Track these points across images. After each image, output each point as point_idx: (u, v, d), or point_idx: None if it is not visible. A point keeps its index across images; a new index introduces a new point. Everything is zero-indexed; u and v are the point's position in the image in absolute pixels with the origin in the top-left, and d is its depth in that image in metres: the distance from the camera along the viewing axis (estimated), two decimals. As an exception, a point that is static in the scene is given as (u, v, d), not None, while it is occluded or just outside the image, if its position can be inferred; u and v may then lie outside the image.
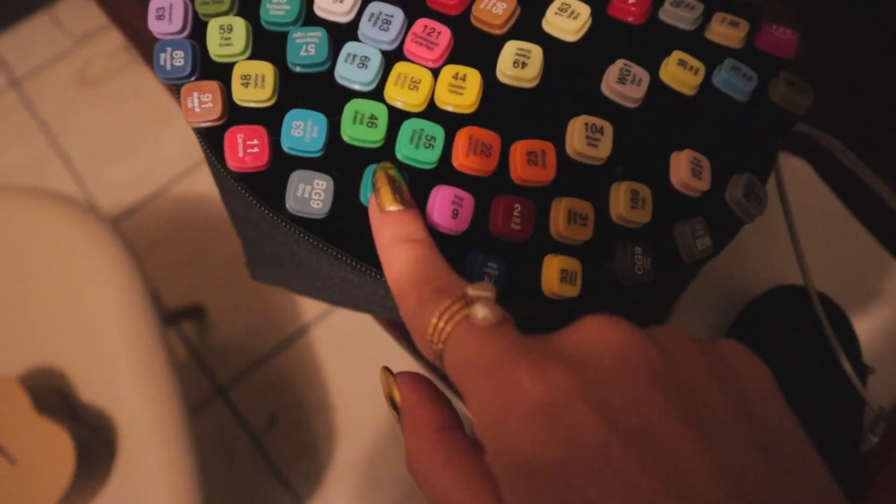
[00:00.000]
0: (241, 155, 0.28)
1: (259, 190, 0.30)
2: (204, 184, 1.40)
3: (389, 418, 1.24)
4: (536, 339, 0.20)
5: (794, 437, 0.19)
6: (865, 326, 0.43)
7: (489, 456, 0.19)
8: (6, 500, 0.70)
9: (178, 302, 1.31)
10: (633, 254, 0.28)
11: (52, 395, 0.78)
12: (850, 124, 0.45)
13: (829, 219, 0.46)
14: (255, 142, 0.29)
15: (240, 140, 0.28)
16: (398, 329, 0.45)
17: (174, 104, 1.45)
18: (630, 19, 0.31)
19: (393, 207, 0.25)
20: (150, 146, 1.43)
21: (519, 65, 0.28)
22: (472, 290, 0.21)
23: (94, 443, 0.76)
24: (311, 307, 1.31)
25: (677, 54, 0.29)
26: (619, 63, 0.29)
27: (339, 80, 0.29)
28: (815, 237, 0.43)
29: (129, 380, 0.79)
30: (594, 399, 0.17)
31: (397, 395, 0.24)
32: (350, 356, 1.27)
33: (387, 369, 0.25)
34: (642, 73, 0.29)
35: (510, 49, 0.29)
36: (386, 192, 0.25)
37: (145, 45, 0.58)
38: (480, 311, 0.20)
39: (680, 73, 0.29)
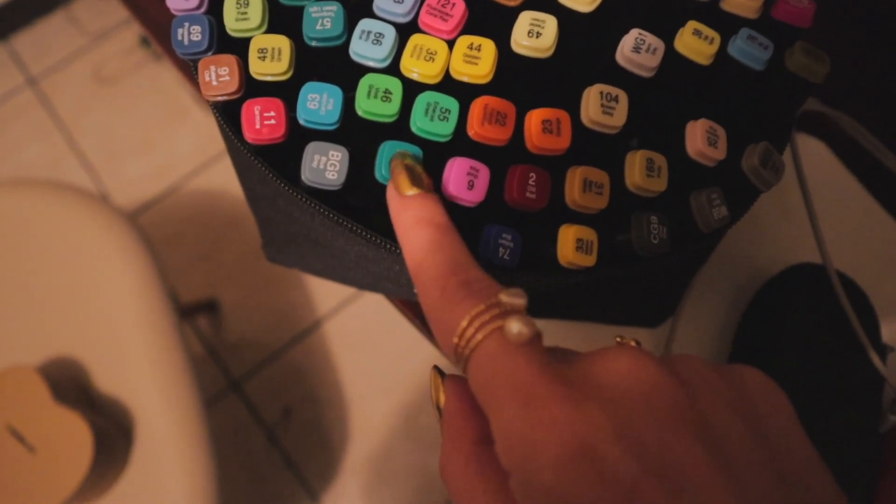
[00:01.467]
0: (258, 127, 0.29)
1: (276, 164, 0.30)
2: (219, 180, 1.41)
3: (403, 412, 1.24)
4: (565, 363, 0.20)
5: (812, 466, 0.19)
6: (884, 306, 0.42)
7: (515, 483, 0.19)
8: (25, 488, 0.71)
9: (193, 296, 1.32)
10: (649, 223, 0.28)
11: (70, 385, 0.79)
12: (866, 104, 0.44)
13: (846, 198, 0.45)
14: (272, 113, 0.29)
15: (257, 112, 0.29)
16: (412, 309, 0.45)
17: (189, 101, 1.46)
18: None
19: (412, 192, 0.24)
20: (166, 143, 1.45)
21: (534, 35, 0.28)
22: (505, 297, 0.20)
23: (112, 432, 0.76)
24: (324, 302, 1.31)
25: (692, 24, 0.29)
26: (634, 32, 0.29)
27: (353, 56, 0.29)
28: (832, 216, 0.43)
29: (145, 371, 0.79)
30: (626, 440, 0.17)
31: (442, 398, 0.24)
32: (363, 350, 1.28)
33: (437, 369, 0.24)
34: (657, 43, 0.29)
35: (525, 19, 0.29)
36: (403, 178, 0.25)
37: (165, 37, 0.58)
38: (515, 326, 0.19)
39: (695, 42, 0.29)
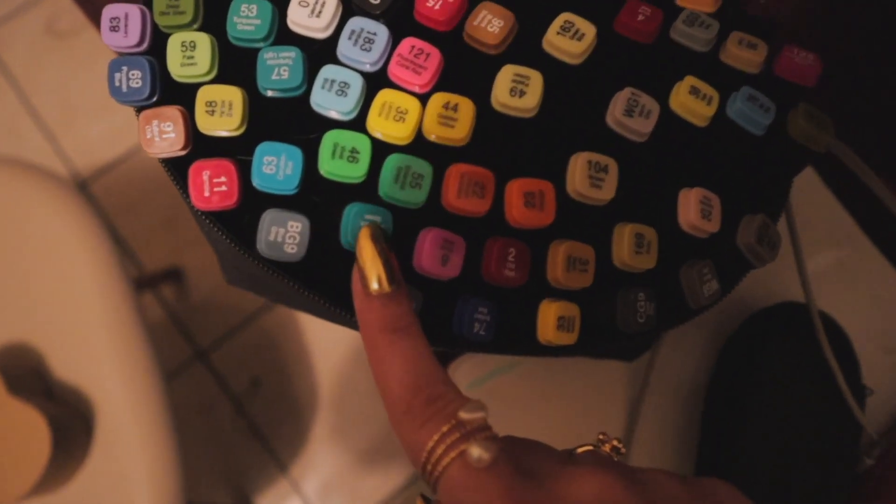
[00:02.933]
0: (207, 195, 0.26)
1: (230, 224, 0.28)
2: (181, 142, 1.36)
3: (371, 382, 1.23)
4: (533, 481, 0.20)
5: None
6: (868, 344, 0.41)
7: None
8: (-19, 485, 0.69)
9: (157, 264, 1.28)
10: (635, 300, 0.26)
11: (25, 373, 0.76)
12: (859, 129, 0.42)
13: (833, 230, 0.44)
14: (223, 179, 0.26)
15: (206, 178, 0.26)
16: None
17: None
18: (639, 38, 0.28)
19: (377, 288, 0.23)
20: (125, 102, 1.38)
21: (516, 93, 0.25)
22: (465, 415, 0.20)
23: (71, 422, 0.74)
24: (293, 271, 1.29)
25: (689, 80, 0.27)
26: (627, 92, 0.26)
27: (315, 107, 0.26)
28: (818, 247, 0.41)
29: (103, 354, 0.77)
30: None
31: None
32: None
33: (424, 498, 0.24)
34: (651, 104, 0.26)
35: (507, 75, 0.26)
36: (371, 268, 0.23)
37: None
38: (475, 451, 0.20)
39: (691, 102, 0.26)
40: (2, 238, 0.80)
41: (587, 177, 0.25)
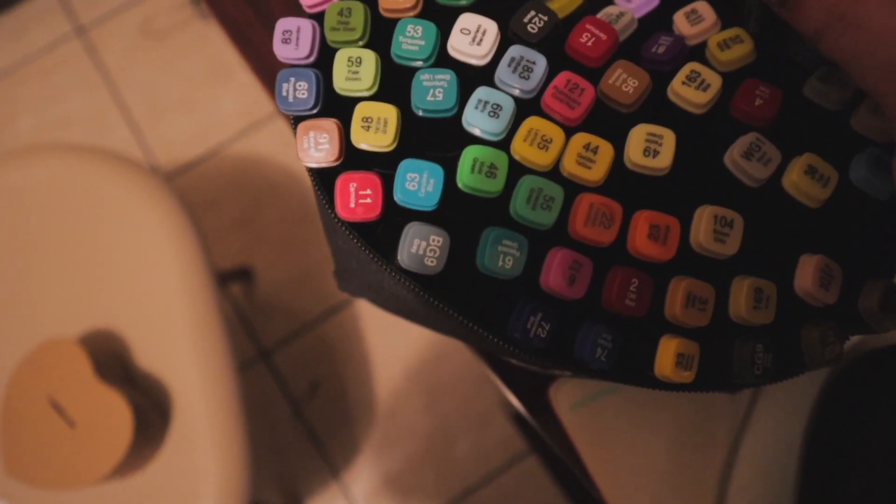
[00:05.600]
0: (352, 206, 0.27)
1: (368, 235, 0.29)
2: (259, 145, 1.40)
3: (429, 398, 1.24)
4: None
5: None
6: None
7: None
8: (63, 462, 0.72)
9: (228, 262, 1.32)
10: (753, 352, 0.26)
11: (110, 358, 0.79)
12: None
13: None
14: (368, 192, 0.27)
15: (352, 189, 0.27)
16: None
17: (235, 61, 1.44)
18: (755, 124, 0.28)
19: None
20: (210, 103, 1.43)
21: (650, 153, 0.26)
22: None
23: (149, 409, 0.77)
24: (359, 279, 1.31)
25: (807, 158, 0.26)
26: (752, 136, 0.27)
27: (466, 126, 0.28)
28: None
29: (183, 346, 0.79)
30: None
31: None
32: (393, 330, 1.28)
33: None
34: (773, 154, 0.26)
35: (639, 135, 0.26)
36: None
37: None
38: None
39: (806, 183, 0.26)
40: (93, 225, 0.83)
41: (712, 231, 0.26)
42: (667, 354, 0.27)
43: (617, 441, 0.42)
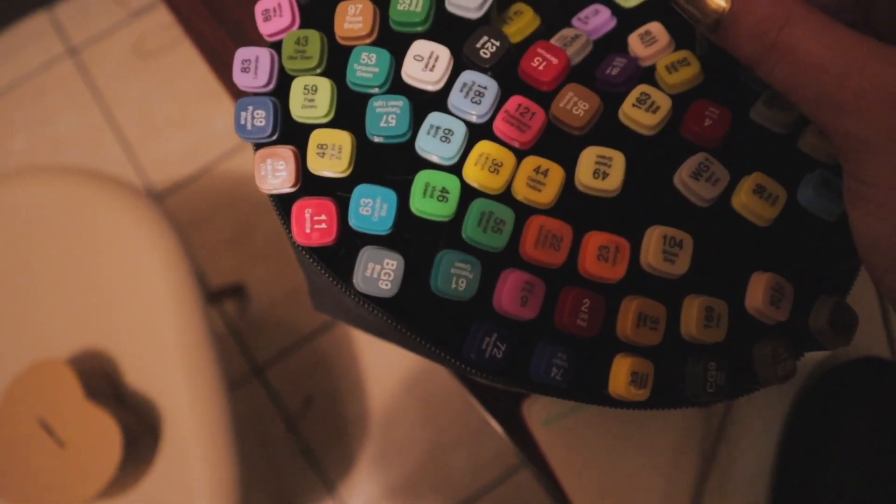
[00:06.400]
0: (308, 231, 0.28)
1: (328, 258, 0.29)
2: (251, 162, 1.40)
3: (424, 411, 1.24)
4: None
5: None
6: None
7: None
8: (53, 482, 0.72)
9: (221, 279, 1.32)
10: (705, 370, 0.27)
11: (100, 378, 0.80)
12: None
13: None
14: (323, 217, 0.28)
15: (307, 215, 0.28)
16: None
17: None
18: (705, 144, 0.28)
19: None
20: (201, 122, 1.44)
21: (600, 175, 0.26)
22: None
23: (139, 428, 0.77)
24: (351, 294, 1.31)
25: (756, 178, 0.27)
26: (701, 156, 0.27)
27: (419, 151, 0.28)
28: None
29: (173, 364, 0.80)
30: None
31: None
32: (386, 345, 1.27)
33: None
34: (722, 174, 0.27)
35: (589, 157, 0.27)
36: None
37: (186, 21, 0.57)
38: None
39: (754, 203, 0.26)
40: (82, 246, 0.84)
41: (661, 251, 0.26)
42: (620, 373, 0.27)
43: (590, 456, 0.42)
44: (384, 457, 1.22)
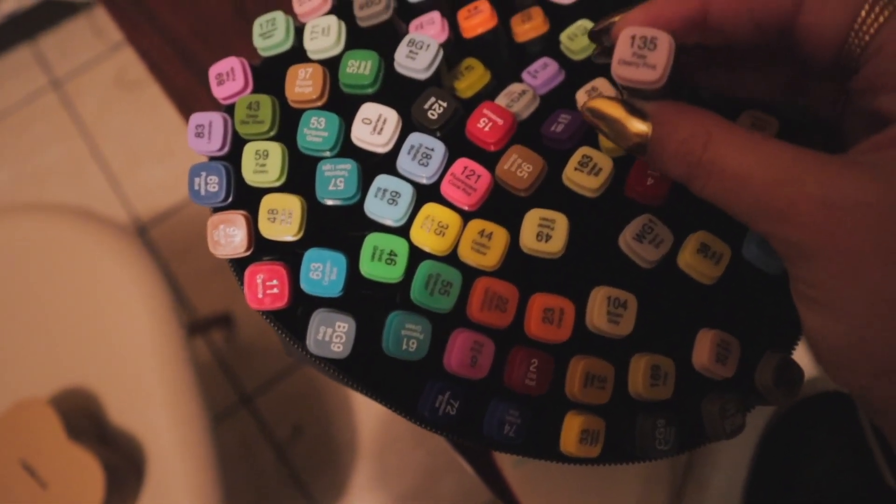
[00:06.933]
0: (260, 296, 0.28)
1: (285, 317, 0.30)
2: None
3: (414, 436, 1.24)
4: None
5: None
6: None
7: None
8: (35, 525, 0.72)
9: (208, 308, 1.32)
10: (654, 427, 0.27)
11: (81, 417, 0.80)
12: None
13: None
14: (275, 282, 0.28)
15: (259, 281, 0.28)
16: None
17: (210, 110, 1.45)
18: (650, 202, 0.28)
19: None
20: (186, 151, 1.45)
21: (543, 238, 0.27)
22: None
23: (122, 466, 0.77)
24: (338, 320, 1.31)
25: (700, 237, 0.27)
26: (645, 218, 0.27)
27: (368, 214, 0.29)
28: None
29: (155, 401, 0.80)
30: None
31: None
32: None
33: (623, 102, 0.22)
34: (666, 235, 0.27)
35: (533, 220, 0.27)
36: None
37: (155, 67, 0.57)
38: None
39: (699, 262, 0.27)
40: (62, 283, 0.84)
41: (606, 312, 0.26)
42: (571, 431, 0.27)
43: (560, 498, 0.42)
44: (374, 484, 1.22)
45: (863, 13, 0.20)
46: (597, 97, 0.23)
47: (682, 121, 0.21)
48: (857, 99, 0.22)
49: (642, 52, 0.21)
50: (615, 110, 0.22)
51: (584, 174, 0.27)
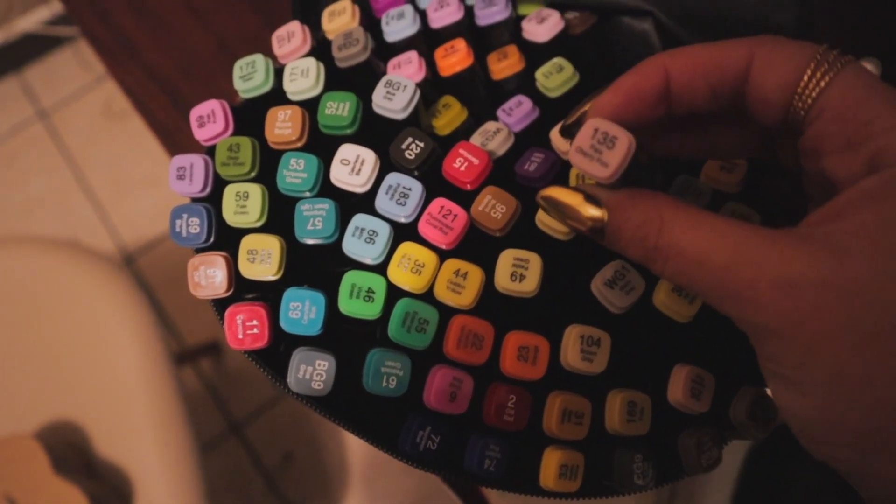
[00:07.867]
0: (240, 336, 0.29)
1: (267, 355, 0.30)
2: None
3: (403, 464, 1.23)
4: None
5: None
6: None
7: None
8: (21, 562, 0.71)
9: (196, 336, 1.32)
10: (632, 461, 0.27)
11: (68, 449, 0.79)
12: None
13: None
14: (255, 322, 0.29)
15: (239, 322, 0.29)
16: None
17: (197, 138, 1.46)
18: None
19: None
20: (173, 179, 1.45)
21: (517, 278, 0.27)
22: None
23: (110, 499, 0.76)
24: (327, 346, 1.31)
25: None
26: (617, 263, 0.28)
27: (346, 253, 0.29)
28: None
29: (143, 432, 0.79)
30: None
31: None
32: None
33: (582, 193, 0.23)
34: (637, 282, 0.27)
35: (507, 260, 0.28)
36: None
37: (140, 103, 0.58)
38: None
39: (674, 301, 0.27)
40: (47, 316, 0.84)
41: (579, 350, 0.27)
42: (550, 466, 0.28)
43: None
44: (365, 511, 1.21)
45: (805, 77, 0.20)
46: (553, 186, 0.23)
47: (635, 207, 0.21)
48: (805, 159, 0.22)
49: (600, 147, 0.21)
50: (570, 198, 0.22)
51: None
